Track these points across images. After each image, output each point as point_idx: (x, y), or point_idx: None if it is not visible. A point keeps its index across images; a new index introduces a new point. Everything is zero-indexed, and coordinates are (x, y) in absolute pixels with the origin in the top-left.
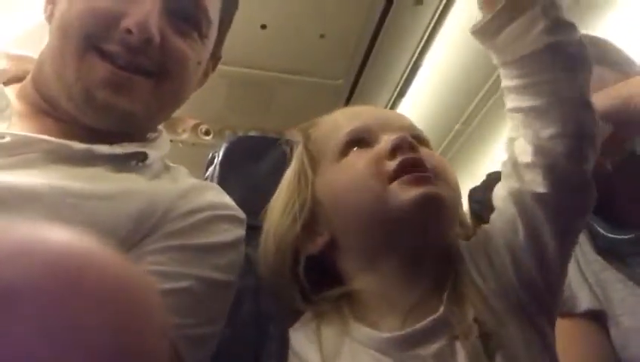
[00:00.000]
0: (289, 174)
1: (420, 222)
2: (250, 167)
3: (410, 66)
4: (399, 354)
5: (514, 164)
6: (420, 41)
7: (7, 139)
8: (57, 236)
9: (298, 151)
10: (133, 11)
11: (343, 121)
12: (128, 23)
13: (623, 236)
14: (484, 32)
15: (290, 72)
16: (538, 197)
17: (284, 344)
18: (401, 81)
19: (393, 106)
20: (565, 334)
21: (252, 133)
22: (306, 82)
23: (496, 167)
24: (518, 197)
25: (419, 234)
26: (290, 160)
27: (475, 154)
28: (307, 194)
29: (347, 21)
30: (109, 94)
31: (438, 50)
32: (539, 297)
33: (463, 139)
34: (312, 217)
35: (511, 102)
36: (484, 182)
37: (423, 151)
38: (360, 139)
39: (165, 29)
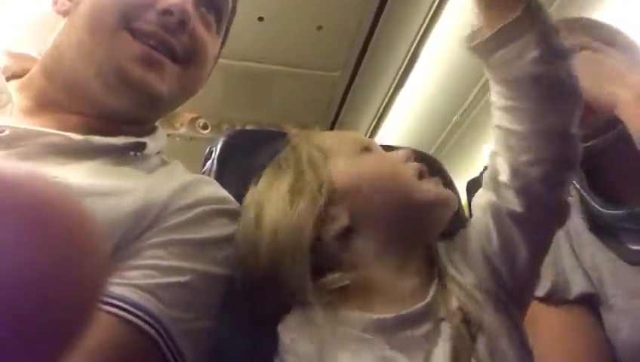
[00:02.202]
0: (291, 163)
1: (438, 217)
2: (248, 161)
3: (408, 58)
4: (390, 334)
5: (494, 178)
6: (418, 33)
7: (7, 132)
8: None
9: (299, 147)
10: None
11: (345, 135)
12: (168, 3)
13: (617, 211)
14: (479, 48)
15: (288, 65)
16: (513, 214)
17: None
18: (399, 73)
19: (392, 98)
20: (557, 325)
21: (250, 127)
22: (303, 74)
23: None
24: (494, 210)
25: (434, 225)
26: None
27: (474, 146)
28: (322, 179)
29: (345, 13)
30: (142, 71)
31: (436, 41)
32: (509, 293)
33: (461, 131)
34: (327, 201)
35: (496, 118)
36: (482, 173)
37: None
38: (369, 148)
39: (195, 18)
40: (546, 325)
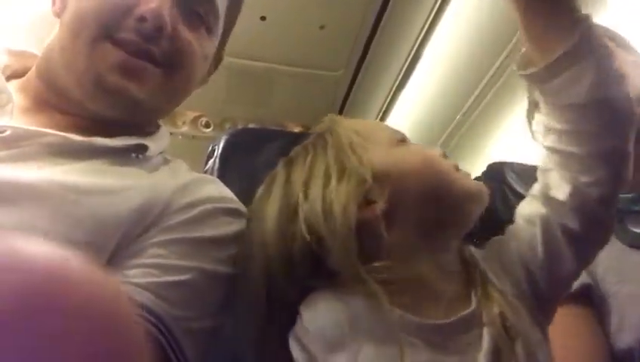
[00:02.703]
0: (330, 147)
1: (475, 208)
2: (251, 158)
3: (410, 57)
4: (439, 340)
5: (546, 193)
6: (420, 32)
7: (8, 132)
8: (31, 252)
9: (337, 129)
10: (147, 1)
11: (376, 125)
12: (142, 10)
13: (627, 195)
14: (534, 77)
15: (291, 64)
16: (567, 231)
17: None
18: (402, 72)
19: (394, 98)
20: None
21: (252, 125)
22: (306, 73)
23: (496, 158)
24: (545, 224)
25: (468, 218)
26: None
27: (476, 145)
28: (365, 163)
29: (347, 12)
30: (119, 79)
31: (439, 41)
32: (544, 304)
33: (464, 130)
34: (367, 190)
35: (550, 141)
36: (485, 172)
37: None
38: (404, 140)
39: (176, 21)
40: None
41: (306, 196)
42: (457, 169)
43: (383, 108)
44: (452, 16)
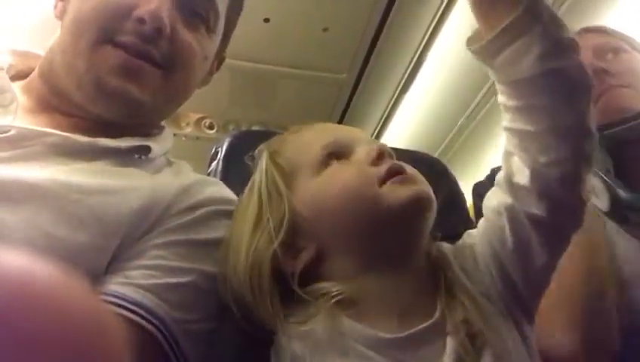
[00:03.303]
0: (255, 190)
1: (413, 218)
2: (253, 162)
3: (414, 60)
4: (397, 354)
5: (509, 180)
6: (424, 36)
7: (12, 132)
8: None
9: (264, 167)
10: (145, 3)
11: (314, 136)
12: (141, 12)
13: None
14: (482, 51)
15: (294, 66)
16: (533, 217)
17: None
18: (405, 75)
19: (397, 101)
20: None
21: (256, 128)
22: (309, 76)
23: (499, 161)
24: (510, 213)
25: (412, 230)
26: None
27: (480, 149)
28: (284, 210)
29: (351, 15)
30: (119, 80)
31: (442, 44)
32: (521, 302)
33: (467, 133)
34: (292, 232)
35: (507, 121)
36: (488, 176)
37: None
38: (336, 152)
39: (175, 22)
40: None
41: (228, 253)
42: (389, 173)
43: (387, 111)
44: (456, 20)
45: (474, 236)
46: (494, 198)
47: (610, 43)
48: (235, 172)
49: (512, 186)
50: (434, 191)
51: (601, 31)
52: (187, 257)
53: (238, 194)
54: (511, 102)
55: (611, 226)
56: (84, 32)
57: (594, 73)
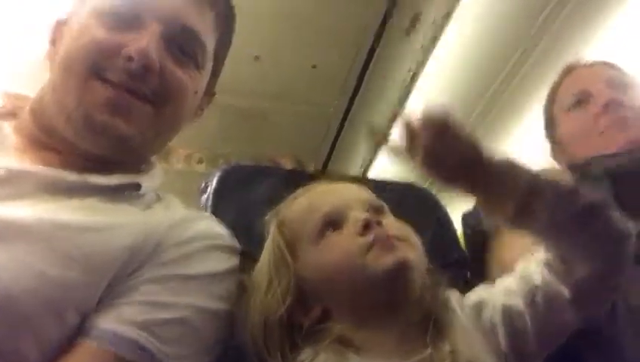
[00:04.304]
0: (267, 256)
1: (396, 283)
2: (244, 195)
3: (401, 93)
4: None
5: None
6: (410, 69)
7: (2, 172)
8: None
9: (273, 236)
10: (134, 41)
11: (313, 205)
12: (129, 50)
13: None
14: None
15: (283, 101)
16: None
17: None
18: (393, 108)
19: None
20: None
21: (245, 162)
22: (298, 110)
23: None
24: (509, 317)
25: (397, 292)
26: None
27: None
28: (289, 277)
29: (338, 51)
30: (107, 116)
31: (428, 78)
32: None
33: None
34: (299, 294)
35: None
36: (475, 207)
37: (386, 220)
38: (332, 222)
39: (164, 58)
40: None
41: (246, 305)
42: (375, 241)
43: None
44: (441, 55)
45: (484, 296)
46: (511, 285)
47: (623, 77)
48: (226, 205)
49: (529, 298)
50: (423, 221)
51: (611, 66)
52: (179, 292)
53: (229, 228)
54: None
55: None
56: (74, 68)
57: (609, 102)
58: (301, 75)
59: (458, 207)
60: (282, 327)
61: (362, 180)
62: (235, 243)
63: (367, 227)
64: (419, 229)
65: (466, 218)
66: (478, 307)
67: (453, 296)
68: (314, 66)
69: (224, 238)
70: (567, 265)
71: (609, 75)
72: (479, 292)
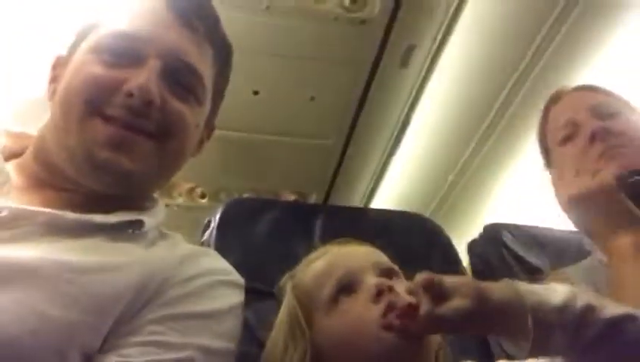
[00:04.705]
0: (283, 320)
1: (401, 356)
2: (247, 229)
3: (399, 124)
4: None
5: None
6: (409, 98)
7: (5, 213)
8: None
9: (290, 302)
10: (134, 77)
11: (327, 269)
12: (130, 86)
13: None
14: None
15: (283, 134)
16: None
17: None
18: (392, 138)
19: (386, 163)
20: None
21: (247, 195)
22: (298, 143)
23: (492, 218)
24: None
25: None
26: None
27: (472, 205)
28: (305, 346)
29: (336, 83)
30: (109, 153)
31: (426, 107)
32: None
33: (458, 190)
34: (315, 360)
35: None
36: (482, 234)
37: (396, 283)
38: (345, 286)
39: (164, 93)
40: None
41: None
42: (388, 308)
43: (376, 173)
44: (437, 84)
45: None
46: None
47: (609, 102)
48: (229, 241)
49: None
50: (428, 252)
51: (596, 90)
52: (183, 332)
53: (233, 263)
54: None
55: None
56: (74, 105)
57: (595, 132)
58: (300, 108)
59: (463, 236)
60: None
61: (367, 211)
62: (239, 278)
63: (380, 294)
64: (424, 259)
65: (472, 247)
66: None
67: None
68: (312, 98)
69: (228, 273)
70: None
71: (594, 101)
72: None
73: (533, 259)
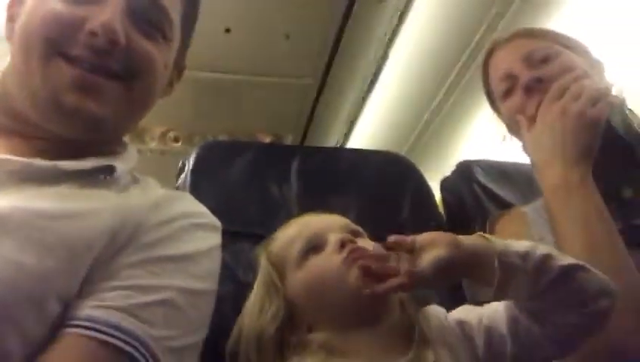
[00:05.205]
0: (259, 282)
1: (368, 302)
2: (222, 172)
3: (375, 62)
4: None
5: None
6: (385, 35)
7: None
8: None
9: (263, 265)
10: (96, 14)
11: (296, 233)
12: (92, 25)
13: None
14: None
15: (258, 74)
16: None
17: None
18: (368, 77)
19: (363, 101)
20: None
21: (221, 138)
22: (274, 83)
23: (465, 155)
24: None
25: (377, 304)
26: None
27: (446, 143)
28: (279, 301)
29: (311, 20)
30: (77, 98)
31: (402, 44)
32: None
33: (433, 128)
34: (288, 314)
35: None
36: (454, 171)
37: (361, 241)
38: (314, 245)
39: (130, 32)
40: None
41: (242, 325)
42: (350, 259)
43: (353, 112)
44: (415, 18)
45: (474, 313)
46: (497, 311)
47: (541, 48)
48: (204, 184)
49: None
50: (402, 189)
51: (531, 35)
52: (162, 273)
53: (209, 206)
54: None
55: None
56: (33, 44)
57: (527, 85)
58: (275, 46)
59: (437, 174)
60: (274, 344)
61: (342, 150)
62: (215, 221)
63: (343, 246)
64: (398, 196)
65: (445, 183)
66: (462, 324)
67: (439, 311)
68: (287, 36)
69: (204, 216)
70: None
71: (526, 50)
72: (466, 311)
73: (503, 192)
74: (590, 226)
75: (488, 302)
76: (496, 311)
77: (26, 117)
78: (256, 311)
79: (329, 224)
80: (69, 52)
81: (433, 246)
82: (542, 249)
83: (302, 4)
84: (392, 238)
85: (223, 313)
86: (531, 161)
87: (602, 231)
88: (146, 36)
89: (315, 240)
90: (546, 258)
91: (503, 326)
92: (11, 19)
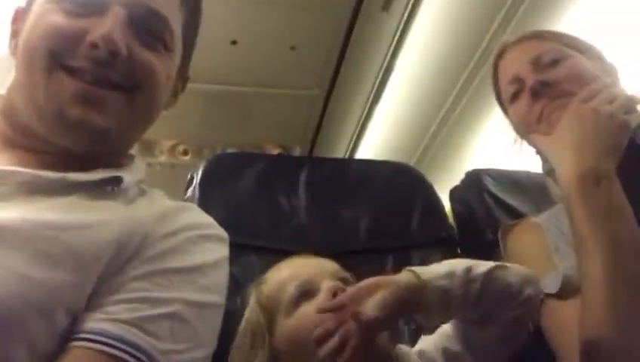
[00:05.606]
0: (247, 328)
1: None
2: (231, 184)
3: (382, 71)
4: None
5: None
6: (390, 46)
7: None
8: None
9: (253, 308)
10: (97, 26)
11: (289, 276)
12: (93, 36)
13: None
14: None
15: (264, 86)
16: None
17: None
18: (375, 86)
19: (369, 112)
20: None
21: (230, 150)
22: (280, 94)
23: (474, 164)
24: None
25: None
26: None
27: (454, 153)
28: (265, 350)
29: (317, 31)
30: (80, 111)
31: (408, 53)
32: None
33: (440, 139)
34: (274, 359)
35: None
36: (464, 180)
37: (349, 289)
38: (305, 292)
39: (131, 43)
40: (566, 319)
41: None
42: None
43: (360, 123)
44: (419, 29)
45: (430, 341)
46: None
47: (549, 51)
48: (213, 196)
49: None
50: (411, 200)
51: (540, 37)
52: (169, 286)
53: (217, 218)
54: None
55: None
56: (36, 57)
57: (533, 89)
58: (280, 58)
59: (445, 184)
60: None
61: (350, 161)
62: (223, 232)
63: (335, 294)
64: (408, 207)
65: (454, 193)
66: (423, 354)
67: (409, 350)
68: (293, 47)
69: (212, 228)
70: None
71: (535, 52)
72: (424, 341)
73: (514, 202)
74: (617, 220)
75: (439, 325)
76: (446, 332)
77: (33, 131)
78: (245, 349)
79: (321, 270)
80: (71, 64)
81: (377, 290)
82: (462, 262)
83: (307, 16)
84: (336, 301)
85: (231, 328)
86: (551, 159)
87: (627, 224)
88: (147, 47)
89: (307, 286)
90: (468, 269)
91: (455, 344)
92: (15, 34)
